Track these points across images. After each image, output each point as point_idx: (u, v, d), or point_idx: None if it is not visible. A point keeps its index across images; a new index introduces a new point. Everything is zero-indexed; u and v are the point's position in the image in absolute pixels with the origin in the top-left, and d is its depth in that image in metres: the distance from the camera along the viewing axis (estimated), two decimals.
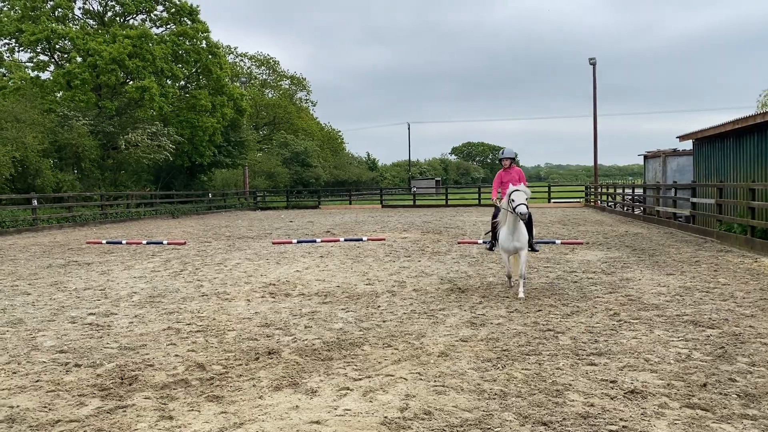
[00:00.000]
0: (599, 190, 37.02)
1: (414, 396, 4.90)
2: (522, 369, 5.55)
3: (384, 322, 7.50)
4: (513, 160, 9.96)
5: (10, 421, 4.49)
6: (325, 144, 70.88)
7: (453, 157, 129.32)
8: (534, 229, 9.74)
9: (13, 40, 34.54)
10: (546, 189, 44.85)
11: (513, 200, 8.70)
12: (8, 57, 36.35)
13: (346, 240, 17.77)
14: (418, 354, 6.10)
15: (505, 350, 6.17)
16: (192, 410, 4.67)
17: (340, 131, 78.78)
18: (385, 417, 4.47)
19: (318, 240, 17.75)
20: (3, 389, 5.19)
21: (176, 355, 6.18)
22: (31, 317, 8.10)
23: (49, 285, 10.79)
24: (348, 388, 5.09)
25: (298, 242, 17.43)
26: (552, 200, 42.43)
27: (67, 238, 21.17)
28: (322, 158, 63.37)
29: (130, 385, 5.27)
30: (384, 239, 17.89)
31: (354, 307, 8.41)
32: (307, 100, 73.74)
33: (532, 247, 9.62)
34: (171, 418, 4.51)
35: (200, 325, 7.48)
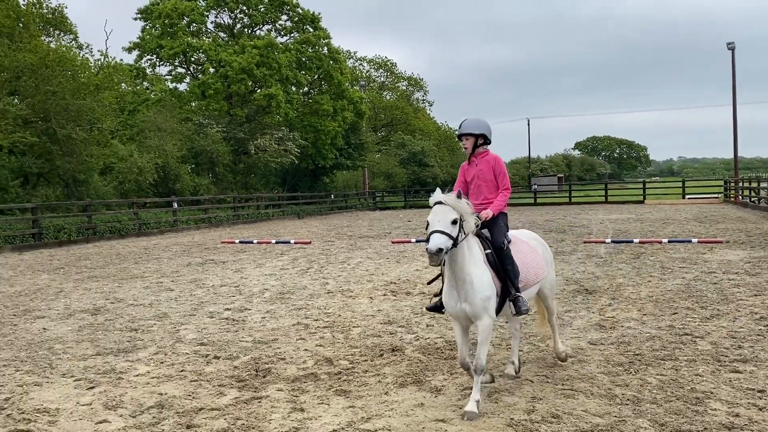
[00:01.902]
0: (740, 184, 34.21)
1: (541, 399, 4.79)
2: (657, 374, 5.26)
3: (507, 322, 7.37)
4: (483, 140, 5.22)
5: (160, 407, 4.88)
6: (442, 143, 70.82)
7: (576, 153, 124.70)
8: (528, 272, 5.08)
9: (155, 56, 37.51)
10: (680, 184, 42.11)
11: (428, 222, 4.52)
12: (151, 71, 39.57)
13: None
14: (543, 356, 5.95)
15: (637, 354, 5.87)
16: (321, 403, 4.85)
17: (456, 130, 78.40)
18: (512, 419, 4.41)
19: None
20: (153, 377, 5.65)
21: (305, 350, 6.44)
22: (174, 312, 8.76)
23: (189, 282, 11.61)
24: (470, 389, 5.06)
25: (417, 241, 17.55)
26: (687, 196, 39.74)
27: (203, 237, 22.68)
28: (438, 157, 63.40)
29: (264, 377, 5.56)
30: None
31: None
32: (423, 100, 74.09)
33: (517, 309, 4.86)
34: (302, 410, 4.71)
35: (327, 321, 7.75)
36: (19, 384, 5.59)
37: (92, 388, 5.40)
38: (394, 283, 10.62)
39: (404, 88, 71.03)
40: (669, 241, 14.91)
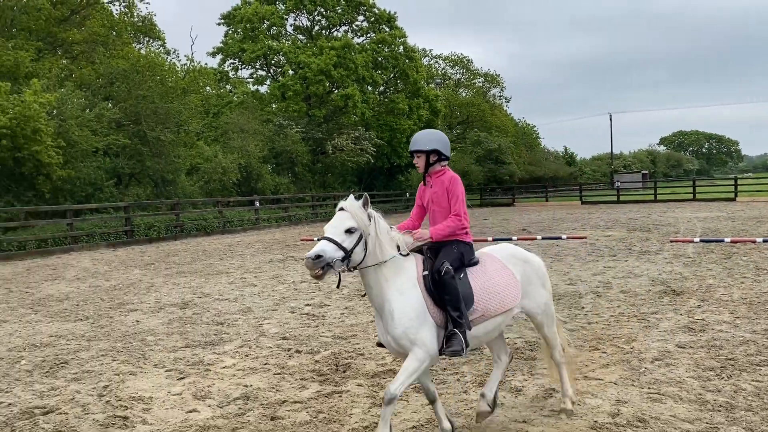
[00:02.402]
0: None
1: (626, 402, 4.65)
2: (752, 381, 4.99)
3: (589, 324, 7.19)
4: (437, 156, 4.43)
5: (245, 398, 5.07)
6: (519, 140, 69.61)
7: (662, 148, 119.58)
8: (489, 300, 4.21)
9: (237, 59, 38.80)
10: None
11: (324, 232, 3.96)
12: (233, 75, 40.97)
13: (543, 238, 17.31)
14: (628, 359, 5.76)
15: (730, 359, 5.58)
16: (401, 399, 4.89)
17: (534, 126, 76.87)
18: (595, 421, 4.31)
19: (514, 238, 17.50)
20: (238, 370, 5.87)
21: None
22: (257, 306, 9.05)
23: (271, 278, 11.95)
24: (554, 390, 4.98)
25: (493, 240, 17.34)
26: None
27: (284, 235, 23.27)
28: (516, 155, 62.37)
29: (344, 372, 5.67)
30: (585, 237, 17.12)
31: (556, 308, 8.16)
32: (500, 96, 73.05)
33: (447, 347, 4.01)
34: (381, 405, 4.77)
35: None
36: (116, 373, 5.94)
37: (182, 378, 5.67)
38: None
39: (480, 84, 70.29)
40: (764, 241, 14.07)
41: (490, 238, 17.54)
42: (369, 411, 4.67)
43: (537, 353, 6.01)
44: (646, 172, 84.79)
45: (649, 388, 4.93)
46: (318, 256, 3.71)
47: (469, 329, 4.04)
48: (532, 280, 4.50)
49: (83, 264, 15.73)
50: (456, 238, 4.34)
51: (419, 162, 4.45)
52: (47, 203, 20.56)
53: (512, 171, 57.52)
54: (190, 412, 4.81)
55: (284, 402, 4.94)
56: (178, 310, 8.97)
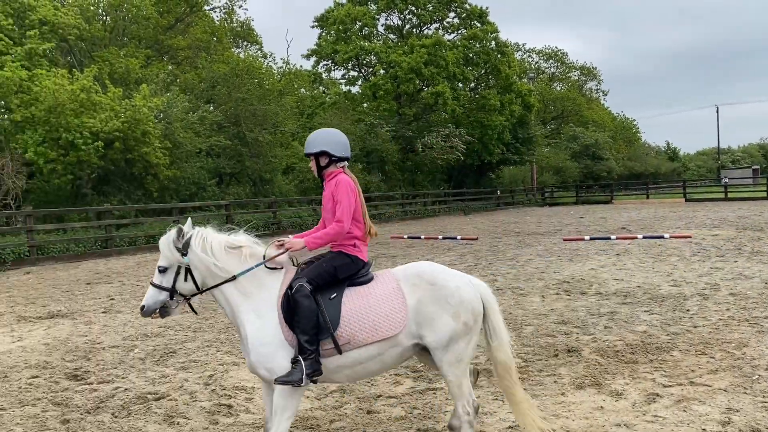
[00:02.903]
0: None
1: (737, 410, 4.39)
2: None
3: (695, 327, 6.83)
4: (327, 158, 4.07)
5: (342, 392, 5.19)
6: (618, 135, 66.99)
7: None
8: (362, 324, 3.74)
9: (330, 61, 39.63)
10: None
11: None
12: (326, 76, 41.90)
13: (644, 237, 16.57)
14: (739, 365, 5.43)
15: None
16: (496, 399, 4.85)
17: (634, 120, 73.81)
18: (704, 429, 4.10)
19: (613, 237, 16.87)
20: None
21: (477, 345, 6.45)
22: None
23: None
24: (657, 394, 4.77)
25: (591, 239, 16.79)
26: None
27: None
28: (614, 150, 60.08)
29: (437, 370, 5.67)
30: (690, 236, 16.25)
31: (658, 310, 7.82)
32: (597, 89, 70.61)
33: (290, 381, 3.62)
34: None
35: None
36: (220, 363, 6.23)
37: None
38: (567, 282, 10.27)
39: (576, 78, 68.21)
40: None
41: (587, 237, 17.01)
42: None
43: (637, 356, 5.79)
44: (758, 167, 79.18)
45: (763, 396, 4.63)
46: (143, 307, 3.78)
47: (318, 356, 3.64)
48: (433, 308, 3.77)
49: None
50: (340, 248, 3.92)
51: (312, 166, 4.13)
52: (155, 202, 21.85)
53: (610, 167, 55.46)
54: None
55: (379, 396, 5.02)
56: None
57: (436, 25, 40.24)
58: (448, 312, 3.78)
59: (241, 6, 54.56)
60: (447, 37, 39.44)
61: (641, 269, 11.22)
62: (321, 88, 43.11)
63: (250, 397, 5.16)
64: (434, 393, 5.05)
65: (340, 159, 4.06)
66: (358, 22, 37.98)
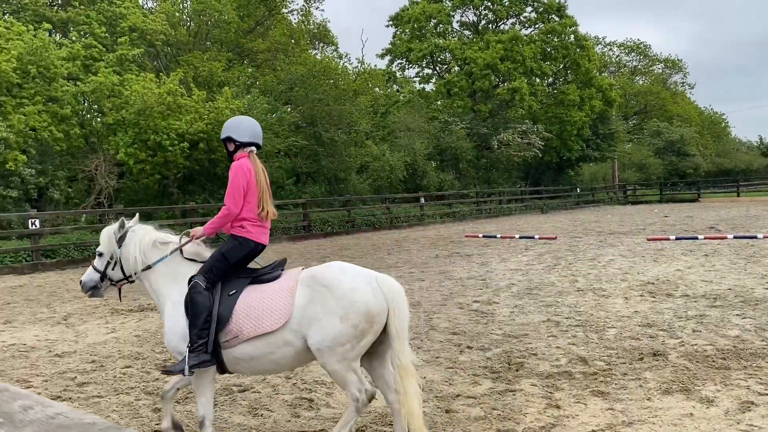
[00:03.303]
0: None
1: None
2: None
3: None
4: (232, 145, 4.32)
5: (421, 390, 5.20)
6: (705, 130, 63.77)
7: None
8: (246, 320, 3.88)
9: (404, 59, 39.73)
10: None
11: None
12: (400, 74, 42.02)
13: (735, 237, 15.72)
14: None
15: None
16: (578, 402, 4.74)
17: (723, 114, 70.00)
18: None
19: (700, 237, 16.10)
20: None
21: (557, 347, 6.34)
22: (426, 300, 9.23)
23: (437, 273, 12.12)
24: (752, 403, 4.53)
25: (677, 239, 16.09)
26: None
27: (448, 231, 23.46)
28: (701, 146, 57.24)
29: (516, 371, 5.60)
30: None
31: (752, 314, 7.41)
32: (683, 83, 67.47)
33: (171, 371, 4.03)
34: (558, 407, 4.66)
35: (578, 320, 7.51)
36: None
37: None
38: (652, 283, 9.88)
39: (660, 71, 65.44)
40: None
41: (672, 237, 16.31)
42: (545, 411, 4.58)
43: (729, 362, 5.51)
44: None
45: None
46: (81, 282, 4.33)
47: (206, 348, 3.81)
48: (321, 309, 3.79)
49: (267, 256, 16.88)
50: (231, 232, 4.07)
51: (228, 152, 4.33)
52: None
53: (697, 163, 52.91)
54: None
55: (458, 396, 5.00)
56: None
57: (513, 20, 39.61)
58: (337, 314, 3.76)
59: (318, 7, 55.50)
60: (524, 32, 38.76)
61: (732, 271, 10.66)
62: (395, 86, 43.26)
63: (330, 392, 5.26)
64: (514, 394, 4.98)
65: (245, 144, 4.23)
66: (432, 20, 37.90)
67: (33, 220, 16.02)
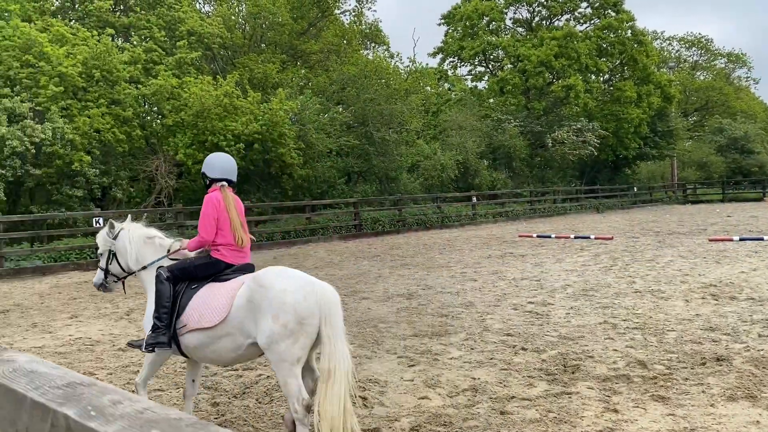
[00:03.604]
0: None
1: None
2: None
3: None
4: (206, 180, 4.80)
5: (474, 391, 5.18)
6: None
7: None
8: (193, 313, 4.32)
9: (456, 57, 39.51)
10: None
11: None
12: (452, 73, 41.80)
13: None
14: None
15: None
16: (637, 407, 4.62)
17: None
18: None
19: (766, 238, 15.46)
20: (465, 362, 6.01)
21: (614, 350, 6.20)
22: (479, 301, 9.17)
23: (490, 273, 12.02)
24: None
25: (741, 240, 15.49)
26: None
27: (501, 231, 23.22)
28: (767, 143, 54.88)
29: (572, 373, 5.51)
30: None
31: None
32: (747, 78, 64.88)
33: (133, 345, 4.95)
34: (616, 411, 4.56)
35: (636, 323, 7.33)
36: (354, 356, 6.40)
37: (413, 366, 5.96)
38: (714, 285, 9.55)
39: (722, 65, 63.09)
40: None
41: (735, 238, 15.72)
42: (602, 416, 4.48)
43: None
44: None
45: None
46: (93, 283, 5.09)
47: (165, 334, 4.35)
48: (256, 308, 4.05)
49: (319, 254, 17.27)
50: (209, 252, 4.60)
51: None
52: (290, 200, 22.94)
53: (762, 161, 50.76)
54: (422, 398, 5.05)
55: (513, 398, 4.95)
56: (405, 300, 9.43)
57: (567, 16, 38.87)
58: (269, 313, 3.99)
59: (370, 8, 55.83)
60: (579, 27, 37.98)
61: None
62: (446, 85, 43.05)
63: (384, 390, 5.29)
64: (570, 397, 4.90)
65: (217, 179, 4.68)
66: (485, 17, 37.57)
67: (97, 219, 16.66)
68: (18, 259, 15.58)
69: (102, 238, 4.97)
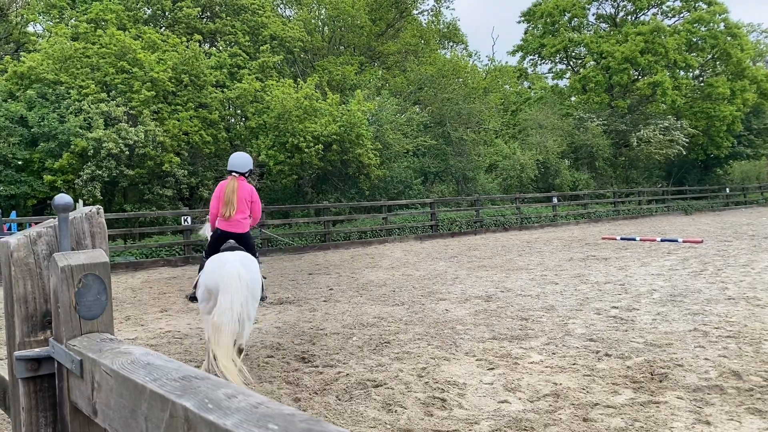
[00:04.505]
0: None
1: None
2: None
3: None
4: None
5: (555, 396, 5.07)
6: None
7: None
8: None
9: (536, 55, 38.74)
10: None
11: None
12: (531, 71, 41.01)
13: None
14: None
15: None
16: (731, 419, 4.40)
17: None
18: None
19: None
20: (546, 367, 5.89)
21: (705, 359, 5.91)
22: (560, 305, 8.95)
23: (572, 276, 11.71)
24: None
25: None
26: None
27: (583, 233, 22.58)
28: None
29: (660, 381, 5.29)
30: None
31: None
32: None
33: None
34: (708, 423, 4.35)
35: (730, 331, 6.96)
36: (432, 357, 6.43)
37: (492, 369, 5.90)
38: None
39: None
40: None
41: None
42: (693, 427, 4.29)
43: None
44: None
45: None
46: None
47: None
48: (206, 284, 5.87)
49: (396, 254, 17.36)
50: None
51: None
52: (366, 200, 23.19)
53: None
54: (502, 402, 4.99)
55: (596, 405, 4.82)
56: (483, 303, 9.34)
57: (654, 10, 37.34)
58: (206, 289, 5.85)
59: (448, 7, 55.63)
60: (666, 22, 36.41)
61: None
62: (526, 83, 42.27)
63: (463, 393, 5.26)
64: (657, 406, 4.72)
65: (228, 171, 6.59)
66: (566, 14, 36.65)
67: (185, 217, 17.41)
68: (113, 255, 16.53)
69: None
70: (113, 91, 19.75)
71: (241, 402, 0.74)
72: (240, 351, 5.58)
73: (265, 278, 6.70)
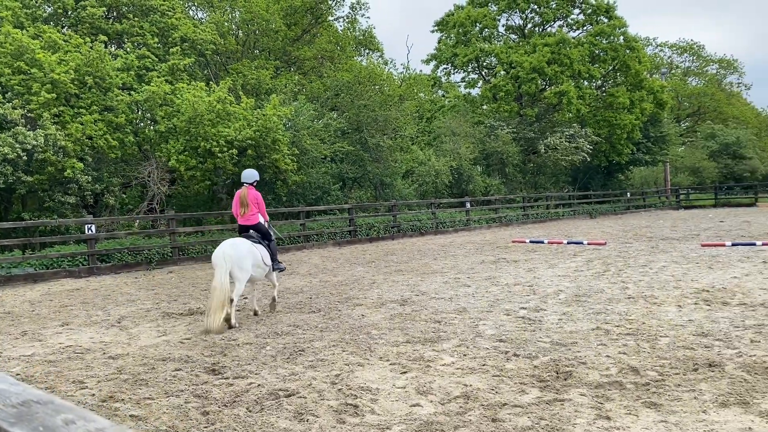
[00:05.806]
0: None
1: None
2: None
3: None
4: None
5: (465, 398, 5.15)
6: (763, 132, 61.55)
7: None
8: None
9: (449, 64, 39.59)
10: None
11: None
12: (445, 79, 41.88)
13: None
14: None
15: None
16: (629, 414, 4.61)
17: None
18: None
19: (758, 243, 15.52)
20: (457, 368, 5.98)
21: (607, 356, 6.18)
22: (472, 307, 9.15)
23: (484, 279, 12.00)
24: None
25: (733, 245, 15.54)
26: None
27: (494, 236, 23.22)
28: (758, 148, 55.20)
29: (565, 380, 5.49)
30: None
31: None
32: (739, 83, 65.31)
33: None
34: (608, 418, 4.54)
35: (629, 328, 7.32)
36: (346, 363, 6.40)
37: (405, 373, 5.93)
38: (707, 290, 9.56)
39: (714, 71, 63.50)
40: None
41: (728, 243, 15.76)
42: (594, 423, 4.46)
43: None
44: None
45: None
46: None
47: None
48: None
49: (314, 260, 17.22)
50: None
51: None
52: (284, 205, 22.89)
53: (754, 166, 51.09)
54: (414, 405, 5.02)
55: (504, 405, 4.93)
56: (398, 306, 9.41)
57: (560, 22, 39.03)
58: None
59: (363, 15, 55.85)
60: (571, 34, 38.15)
61: None
62: (440, 91, 43.11)
63: (375, 398, 5.25)
64: (562, 404, 4.88)
65: (243, 183, 9.47)
66: (478, 24, 37.69)
67: (89, 226, 16.57)
68: (9, 267, 15.48)
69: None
70: (9, 93, 18.56)
71: (79, 428, 0.67)
72: (231, 300, 8.22)
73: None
